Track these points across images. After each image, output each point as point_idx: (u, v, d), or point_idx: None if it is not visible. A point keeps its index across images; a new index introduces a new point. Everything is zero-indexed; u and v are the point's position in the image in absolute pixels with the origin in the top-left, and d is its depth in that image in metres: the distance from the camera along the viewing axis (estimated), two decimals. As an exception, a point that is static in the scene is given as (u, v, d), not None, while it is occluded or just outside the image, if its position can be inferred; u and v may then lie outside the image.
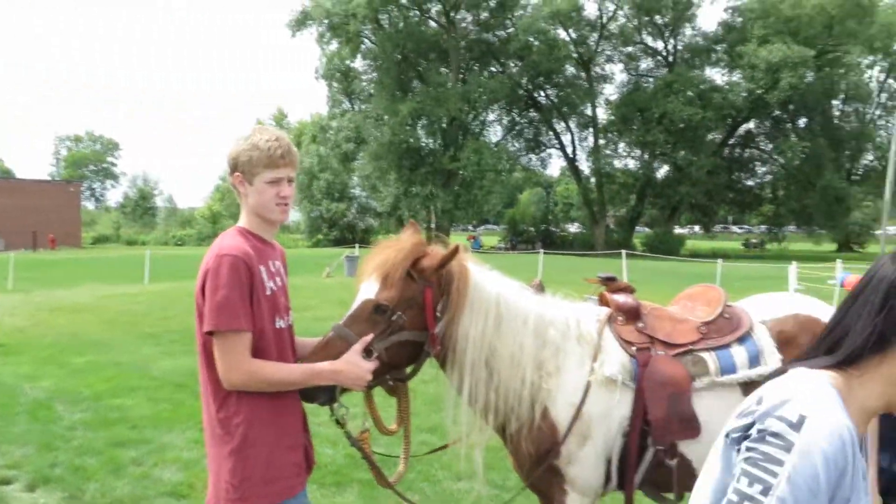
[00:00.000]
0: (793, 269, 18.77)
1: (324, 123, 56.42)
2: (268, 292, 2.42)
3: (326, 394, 2.49)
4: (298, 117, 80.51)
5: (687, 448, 2.78)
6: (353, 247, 34.36)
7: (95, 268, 29.46)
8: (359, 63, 50.47)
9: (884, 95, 48.47)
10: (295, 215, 60.63)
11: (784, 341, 2.90)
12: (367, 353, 2.49)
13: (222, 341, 2.29)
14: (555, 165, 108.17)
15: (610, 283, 3.06)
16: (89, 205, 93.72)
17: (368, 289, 2.61)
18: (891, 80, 47.52)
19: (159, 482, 5.10)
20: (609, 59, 50.85)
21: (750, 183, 52.13)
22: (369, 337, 2.50)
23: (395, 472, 2.84)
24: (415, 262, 2.63)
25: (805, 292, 14.35)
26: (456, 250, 2.64)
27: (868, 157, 49.71)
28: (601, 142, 49.19)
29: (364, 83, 50.78)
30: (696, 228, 69.42)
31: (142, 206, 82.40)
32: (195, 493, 4.91)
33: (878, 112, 48.90)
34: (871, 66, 47.75)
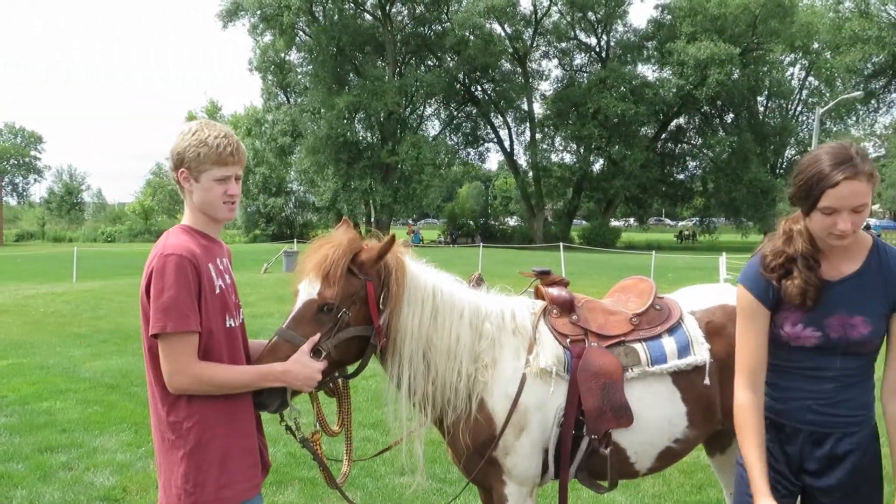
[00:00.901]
0: (722, 259, 19.45)
1: (259, 117, 55.26)
2: (216, 291, 2.36)
3: (278, 399, 2.47)
4: (232, 110, 78.90)
5: (620, 437, 2.87)
6: (292, 242, 33.92)
7: (19, 266, 28.22)
8: (294, 55, 49.66)
9: (804, 92, 50.53)
10: (230, 210, 59.13)
11: (712, 331, 3.02)
12: (316, 353, 2.48)
13: (168, 343, 2.23)
14: (493, 159, 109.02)
15: (544, 276, 3.13)
16: (11, 200, 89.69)
17: (309, 289, 2.59)
18: (811, 78, 49.57)
19: (91, 487, 4.95)
20: (544, 55, 51.49)
21: (681, 177, 53.58)
22: (316, 337, 2.49)
23: (340, 473, 2.84)
24: (354, 257, 2.63)
25: (733, 281, 14.85)
26: (392, 240, 2.66)
27: (791, 152, 51.77)
28: (538, 136, 49.74)
29: (300, 76, 49.98)
30: (631, 221, 70.97)
31: (68, 202, 79.19)
32: (129, 496, 4.80)
33: (799, 108, 50.96)
34: (792, 64, 49.73)
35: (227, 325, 2.40)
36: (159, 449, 2.37)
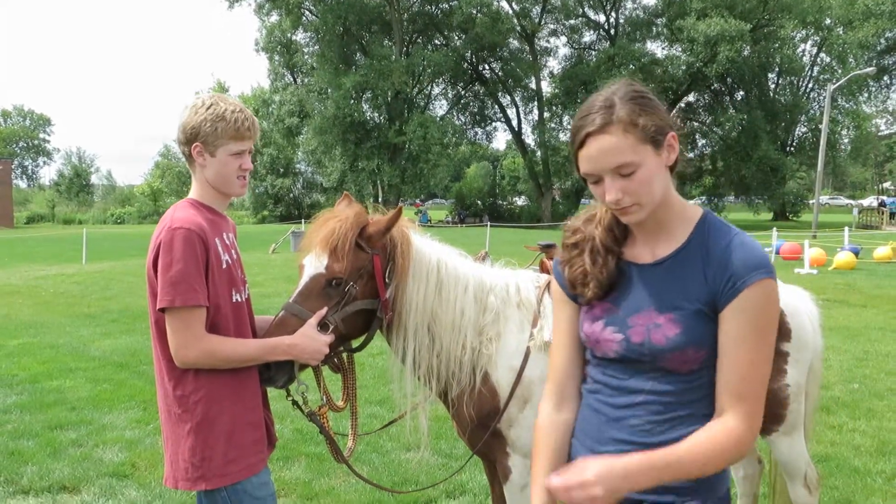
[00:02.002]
0: (730, 237, 19.39)
1: (266, 97, 55.26)
2: (223, 265, 2.35)
3: (286, 374, 2.46)
4: (238, 91, 78.90)
5: (625, 409, 2.85)
6: (300, 222, 33.99)
7: (29, 248, 28.42)
8: (300, 35, 49.45)
9: (816, 69, 49.94)
10: (238, 192, 59.40)
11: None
12: (323, 327, 2.47)
13: (176, 317, 2.21)
14: (500, 139, 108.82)
15: (549, 250, 3.11)
16: (21, 183, 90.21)
17: (317, 263, 2.57)
18: (822, 54, 48.96)
19: (100, 463, 5.00)
20: (552, 33, 51.07)
21: (691, 155, 53.24)
22: (324, 311, 2.48)
23: (346, 448, 2.84)
24: (361, 231, 2.62)
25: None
26: (398, 213, 2.64)
27: (801, 129, 51.32)
28: (546, 115, 49.49)
29: (306, 56, 49.79)
30: (640, 200, 70.58)
31: (77, 184, 79.53)
32: (138, 472, 4.84)
33: (810, 85, 50.42)
34: (803, 41, 49.09)
35: (234, 300, 2.39)
36: (166, 423, 2.37)
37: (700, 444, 1.54)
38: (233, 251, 2.45)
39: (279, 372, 2.45)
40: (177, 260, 2.20)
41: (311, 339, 2.40)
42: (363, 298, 2.61)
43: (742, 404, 1.54)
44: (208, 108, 2.33)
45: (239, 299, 2.42)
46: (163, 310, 2.22)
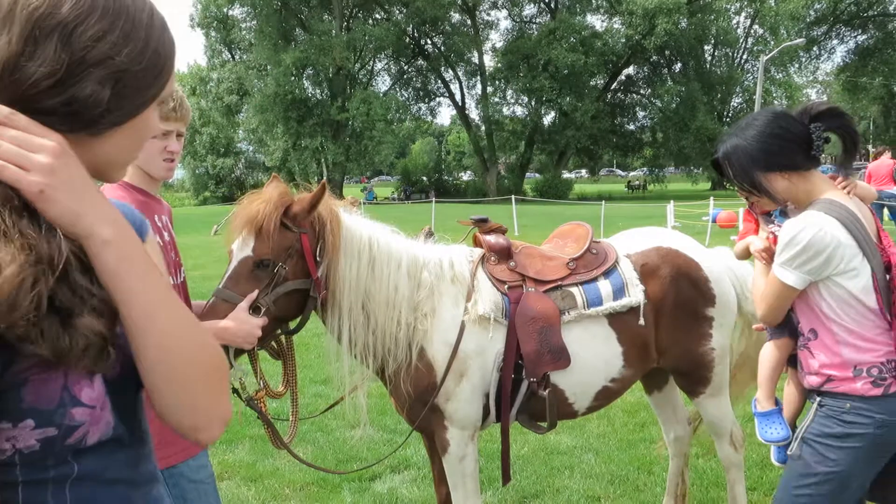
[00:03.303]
0: (670, 207, 19.85)
1: (203, 75, 53.66)
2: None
3: None
4: (174, 68, 76.26)
5: (559, 378, 2.93)
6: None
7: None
8: (237, 10, 48.11)
9: (750, 40, 51.12)
10: (179, 173, 57.94)
11: (647, 273, 3.09)
12: (255, 310, 2.46)
13: None
14: (445, 114, 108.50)
15: (482, 224, 3.14)
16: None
17: (243, 246, 2.56)
18: (756, 26, 50.11)
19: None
20: (493, 5, 50.92)
21: (631, 127, 54.10)
22: (254, 294, 2.47)
23: (287, 433, 2.84)
24: (286, 210, 2.60)
25: (681, 229, 15.20)
26: (323, 189, 2.63)
27: (737, 100, 52.59)
28: (489, 89, 49.50)
29: (244, 32, 48.54)
30: (583, 173, 71.72)
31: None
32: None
33: (744, 56, 51.61)
34: (737, 13, 50.14)
35: None
36: None
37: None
38: (165, 233, 2.40)
39: None
40: None
41: (242, 323, 2.39)
42: (295, 279, 2.60)
43: None
44: None
45: (171, 282, 2.38)
46: None
